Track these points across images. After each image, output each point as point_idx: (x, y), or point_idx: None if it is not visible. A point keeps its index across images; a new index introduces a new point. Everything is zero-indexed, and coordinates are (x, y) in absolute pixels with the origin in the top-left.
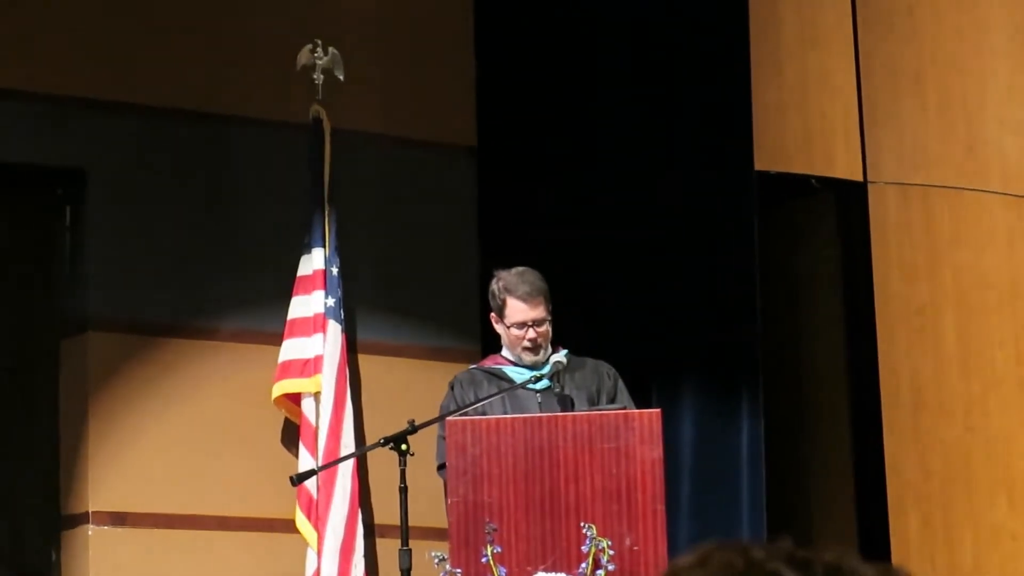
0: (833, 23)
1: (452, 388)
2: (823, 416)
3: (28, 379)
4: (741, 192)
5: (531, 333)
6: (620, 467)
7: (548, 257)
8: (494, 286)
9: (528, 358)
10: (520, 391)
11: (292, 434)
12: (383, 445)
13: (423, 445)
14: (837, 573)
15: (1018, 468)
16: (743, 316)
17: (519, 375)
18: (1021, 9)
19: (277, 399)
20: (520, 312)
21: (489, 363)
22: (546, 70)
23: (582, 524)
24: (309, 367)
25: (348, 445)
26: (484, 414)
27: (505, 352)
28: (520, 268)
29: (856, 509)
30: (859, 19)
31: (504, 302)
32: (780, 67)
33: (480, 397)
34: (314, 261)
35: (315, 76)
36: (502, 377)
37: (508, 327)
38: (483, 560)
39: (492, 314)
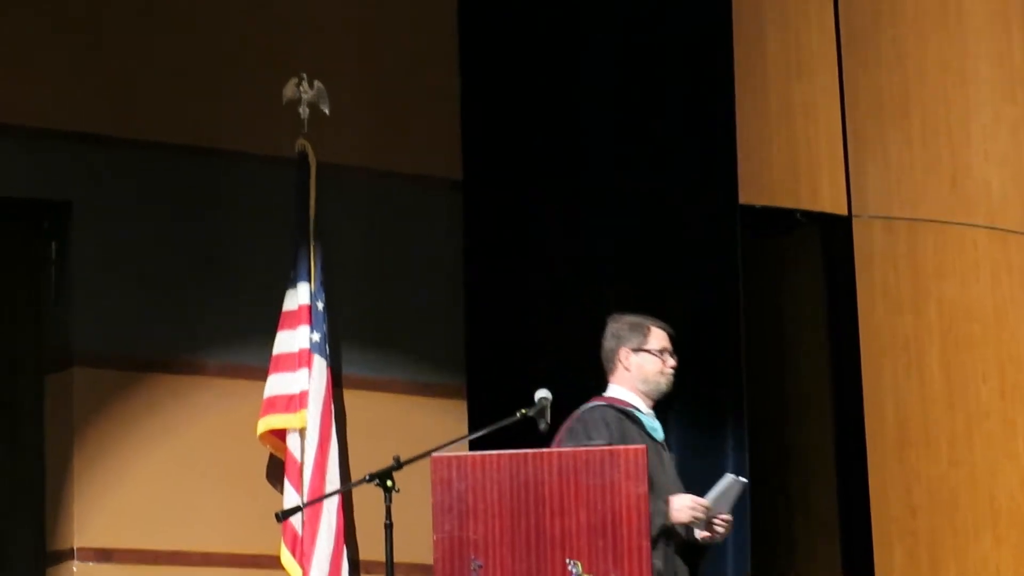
0: (818, 53)
1: (607, 424)
2: (808, 449)
3: (13, 415)
4: (726, 226)
5: (671, 360)
6: (605, 503)
7: (533, 291)
8: (630, 320)
9: (665, 386)
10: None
11: (277, 470)
12: (368, 481)
13: (409, 481)
14: None
15: (1003, 502)
16: (728, 350)
17: (645, 419)
18: (1006, 40)
19: (262, 435)
20: (663, 338)
21: (618, 403)
22: (531, 104)
23: (567, 560)
24: (294, 402)
25: (333, 481)
26: None
27: (620, 393)
28: None
29: (841, 543)
30: (844, 50)
31: (649, 330)
32: (765, 98)
33: (628, 439)
34: (299, 296)
35: (301, 110)
36: (633, 419)
37: (655, 354)
38: None
39: (623, 348)
